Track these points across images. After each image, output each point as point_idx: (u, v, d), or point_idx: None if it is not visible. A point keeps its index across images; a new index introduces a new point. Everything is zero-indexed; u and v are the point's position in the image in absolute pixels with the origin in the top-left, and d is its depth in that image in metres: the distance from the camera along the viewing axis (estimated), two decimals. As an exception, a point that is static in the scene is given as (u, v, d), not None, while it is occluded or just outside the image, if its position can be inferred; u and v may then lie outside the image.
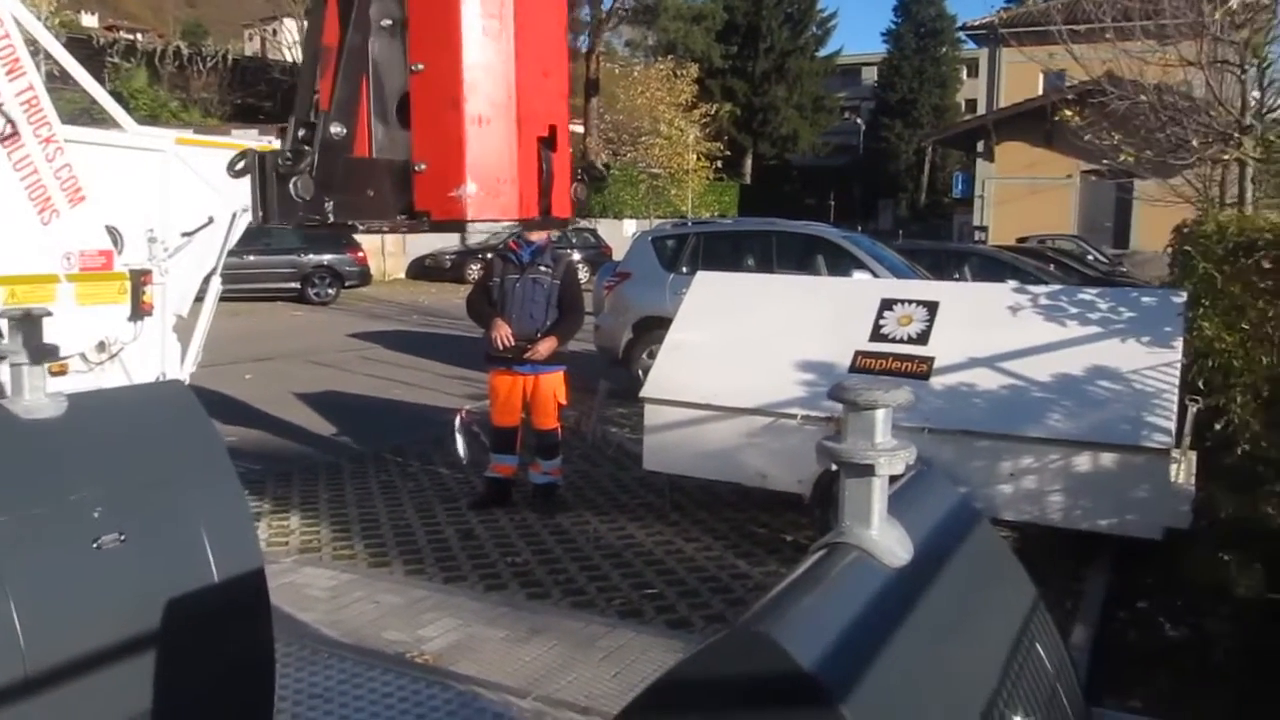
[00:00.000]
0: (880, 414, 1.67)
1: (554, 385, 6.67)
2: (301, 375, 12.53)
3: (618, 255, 18.86)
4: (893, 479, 1.66)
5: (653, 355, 7.38)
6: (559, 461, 6.94)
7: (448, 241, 30.14)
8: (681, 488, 6.99)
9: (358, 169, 2.04)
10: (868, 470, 1.64)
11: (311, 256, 22.80)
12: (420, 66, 2.02)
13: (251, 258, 21.54)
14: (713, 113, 39.40)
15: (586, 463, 8.07)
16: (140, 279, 6.43)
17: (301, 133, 2.00)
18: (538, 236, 6.60)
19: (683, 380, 6.42)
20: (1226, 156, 10.03)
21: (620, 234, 30.25)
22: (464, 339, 13.84)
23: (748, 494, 6.62)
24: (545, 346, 6.48)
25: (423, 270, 28.83)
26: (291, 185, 1.92)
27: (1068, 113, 11.84)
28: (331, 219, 2.00)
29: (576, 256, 28.61)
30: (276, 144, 7.24)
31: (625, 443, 8.28)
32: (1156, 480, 5.22)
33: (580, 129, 41.19)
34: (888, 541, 1.66)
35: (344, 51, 2.01)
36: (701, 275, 7.26)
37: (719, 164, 40.48)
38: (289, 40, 45.66)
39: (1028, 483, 5.50)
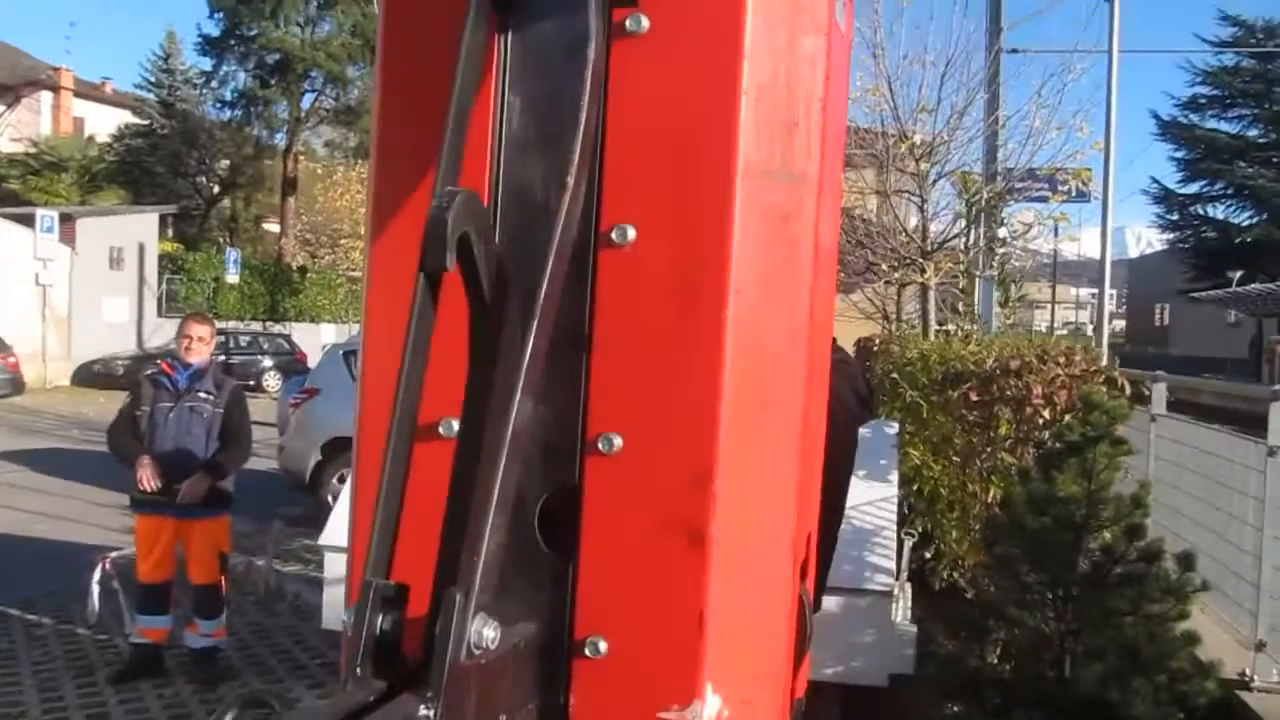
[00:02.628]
0: None
1: (214, 534, 5.68)
2: (-84, 508, 10.51)
3: (313, 363, 17.65)
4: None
5: (344, 480, 6.53)
6: (221, 621, 5.88)
7: (121, 344, 27.51)
8: (371, 643, 6.11)
9: (489, 677, 1.07)
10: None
11: (-52, 362, 19.98)
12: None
13: None
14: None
15: (261, 612, 7.00)
16: None
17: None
18: (198, 357, 5.67)
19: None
20: (915, 279, 10.53)
21: (317, 340, 28.65)
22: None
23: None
24: (193, 490, 5.50)
25: (91, 377, 25.94)
26: None
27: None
28: None
29: (268, 363, 27.02)
30: None
31: (304, 591, 7.25)
32: (880, 624, 4.96)
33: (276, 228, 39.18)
34: None
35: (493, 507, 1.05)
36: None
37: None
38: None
39: (751, 630, 5.11)
